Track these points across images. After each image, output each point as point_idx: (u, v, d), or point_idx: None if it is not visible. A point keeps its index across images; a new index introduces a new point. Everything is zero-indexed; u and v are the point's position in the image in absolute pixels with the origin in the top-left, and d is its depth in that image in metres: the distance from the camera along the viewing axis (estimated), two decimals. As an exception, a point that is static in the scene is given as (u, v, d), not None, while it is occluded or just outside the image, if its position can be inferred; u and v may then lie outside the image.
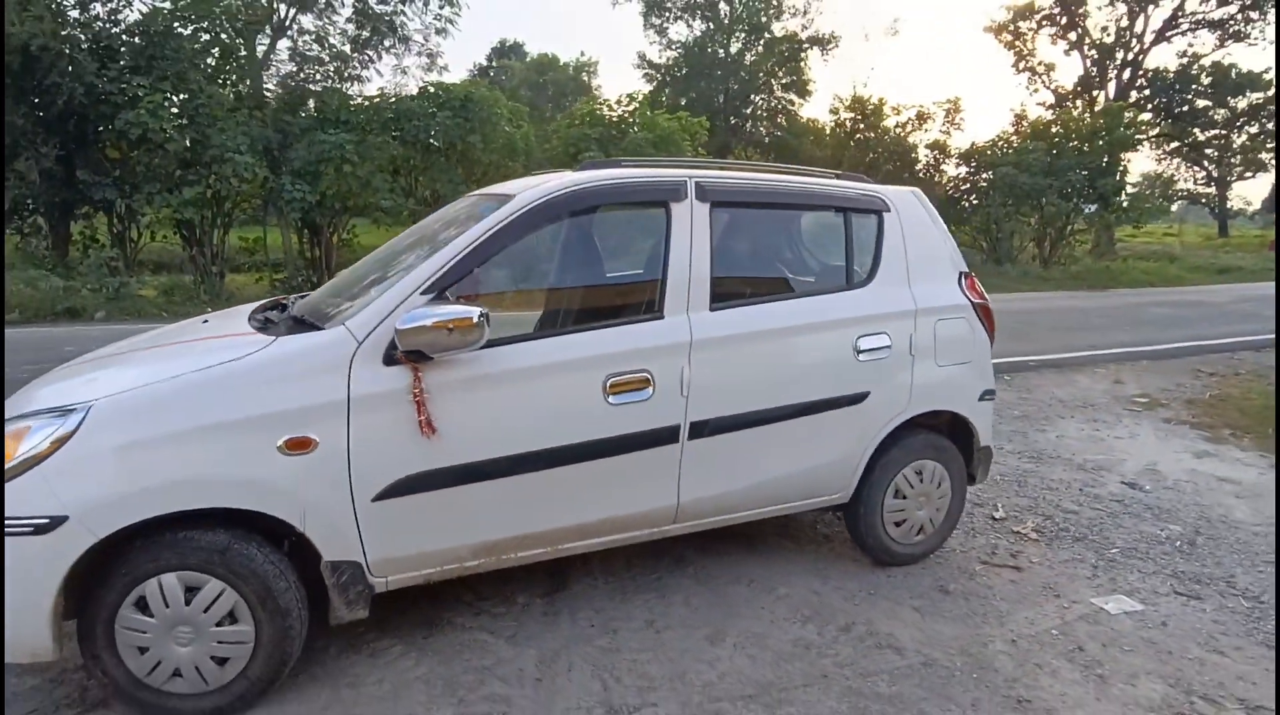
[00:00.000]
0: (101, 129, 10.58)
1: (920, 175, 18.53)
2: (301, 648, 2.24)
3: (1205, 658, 2.58)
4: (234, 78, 12.17)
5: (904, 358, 2.95)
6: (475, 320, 2.16)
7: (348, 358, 2.17)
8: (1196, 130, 32.45)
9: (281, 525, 2.12)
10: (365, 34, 14.20)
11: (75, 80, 10.21)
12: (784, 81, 33.87)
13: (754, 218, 2.98)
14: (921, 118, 18.70)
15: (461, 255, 2.34)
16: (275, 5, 13.92)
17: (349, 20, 14.26)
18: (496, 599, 2.85)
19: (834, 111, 21.06)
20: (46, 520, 1.90)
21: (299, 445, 2.10)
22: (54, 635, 1.98)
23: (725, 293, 2.71)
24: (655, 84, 33.88)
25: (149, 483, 1.97)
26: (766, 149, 31.60)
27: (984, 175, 18.21)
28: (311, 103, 12.56)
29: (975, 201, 18.39)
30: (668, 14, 31.56)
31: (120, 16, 11.28)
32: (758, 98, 34.85)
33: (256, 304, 2.97)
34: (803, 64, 32.51)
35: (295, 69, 14.17)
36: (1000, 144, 18.64)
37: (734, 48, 32.25)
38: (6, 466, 1.93)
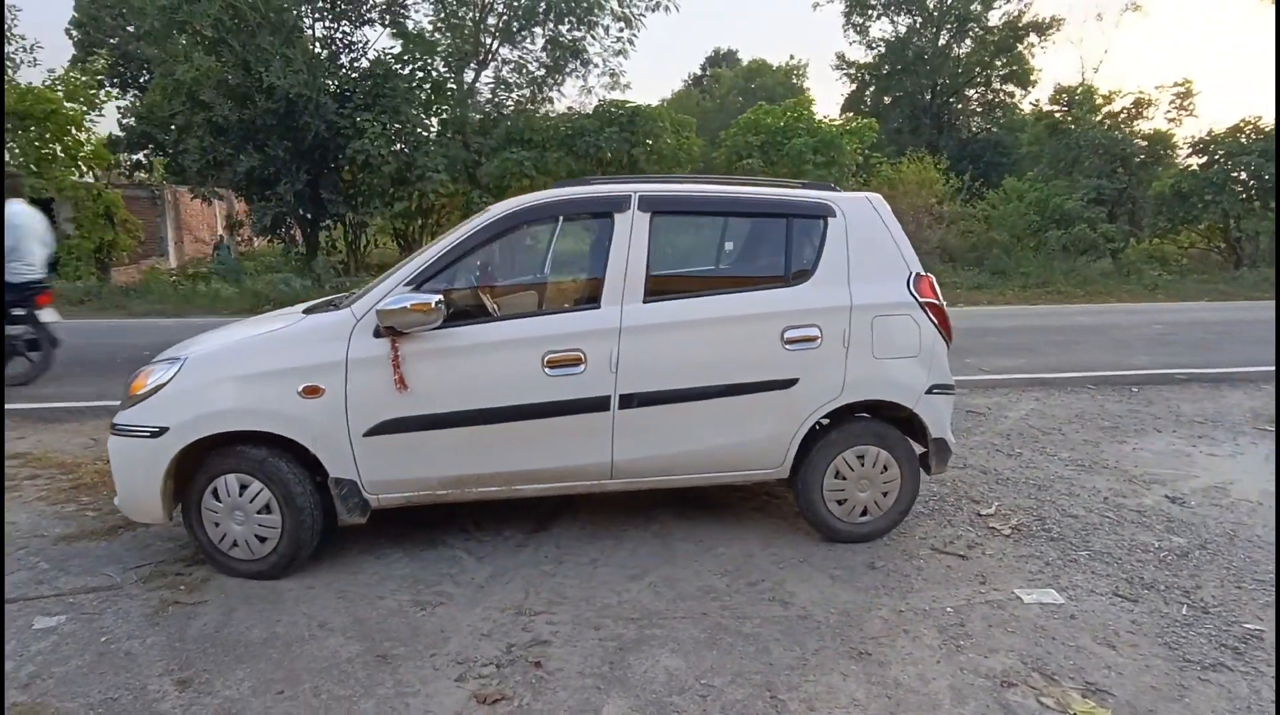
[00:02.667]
0: (338, 156, 12.99)
1: (1136, 170, 16.56)
2: (315, 539, 3.10)
3: (1088, 647, 2.62)
4: (442, 107, 14.24)
5: (837, 349, 3.23)
6: (432, 305, 2.90)
7: (348, 331, 3.01)
8: None
9: (300, 447, 3.01)
10: (556, 59, 15.83)
11: (320, 119, 12.66)
12: (1002, 73, 31.43)
13: (697, 224, 3.43)
14: (1140, 104, 16.69)
15: (438, 256, 3.10)
16: (482, 39, 15.96)
17: (543, 49, 15.96)
18: (488, 531, 3.58)
19: (1036, 104, 19.42)
20: (158, 429, 2.93)
21: (312, 391, 2.97)
22: (164, 506, 3.01)
23: (662, 288, 3.22)
24: (857, 84, 33.02)
25: (216, 409, 2.94)
26: (978, 146, 29.67)
27: (1219, 167, 15.89)
28: (505, 125, 14.30)
29: (1209, 197, 16.09)
30: (871, 12, 30.58)
31: (358, 64, 13.74)
32: (972, 92, 32.70)
33: (319, 300, 3.95)
34: (1024, 52, 29.96)
35: (492, 95, 16.13)
36: (1246, 129, 16.13)
37: (941, 40, 30.48)
38: (140, 392, 3.00)
